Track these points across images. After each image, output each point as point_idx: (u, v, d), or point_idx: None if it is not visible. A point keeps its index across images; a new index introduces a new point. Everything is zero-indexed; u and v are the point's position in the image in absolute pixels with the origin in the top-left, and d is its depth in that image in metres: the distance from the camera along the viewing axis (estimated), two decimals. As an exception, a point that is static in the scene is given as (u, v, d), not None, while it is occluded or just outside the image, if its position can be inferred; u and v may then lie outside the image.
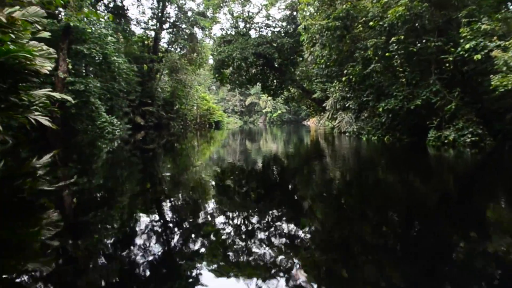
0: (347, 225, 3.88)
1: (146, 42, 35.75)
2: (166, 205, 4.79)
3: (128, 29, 32.67)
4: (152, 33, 35.67)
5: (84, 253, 2.99)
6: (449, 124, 10.80)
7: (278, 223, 3.83)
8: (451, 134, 10.40)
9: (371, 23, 11.44)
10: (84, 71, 20.95)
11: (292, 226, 3.69)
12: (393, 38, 10.99)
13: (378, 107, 12.32)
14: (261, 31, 28.57)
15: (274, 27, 28.16)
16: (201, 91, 44.46)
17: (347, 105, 17.43)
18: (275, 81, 30.78)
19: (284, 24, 28.13)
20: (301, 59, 26.14)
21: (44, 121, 13.06)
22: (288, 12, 27.03)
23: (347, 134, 17.15)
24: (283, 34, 26.73)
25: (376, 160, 10.17)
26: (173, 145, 17.95)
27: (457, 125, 10.52)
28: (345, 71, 13.07)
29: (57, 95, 12.74)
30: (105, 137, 18.68)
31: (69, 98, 13.09)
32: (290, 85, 28.20)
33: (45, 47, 12.45)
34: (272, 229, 3.58)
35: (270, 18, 27.86)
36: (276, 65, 27.85)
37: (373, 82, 12.69)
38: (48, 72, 11.99)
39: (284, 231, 3.49)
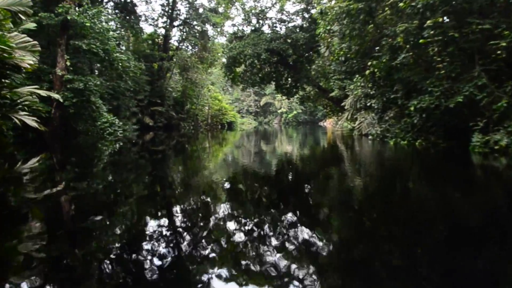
0: (370, 245, 3.23)
1: (156, 40, 34.54)
2: (171, 215, 4.32)
3: (137, 26, 31.53)
4: (162, 31, 34.50)
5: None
6: (499, 126, 8.83)
7: (292, 235, 3.45)
8: (503, 139, 8.41)
9: (401, 4, 9.53)
10: (86, 69, 19.72)
11: (306, 239, 3.36)
12: (428, 22, 9.09)
13: (409, 106, 10.39)
14: (275, 27, 26.81)
15: (288, 22, 26.37)
16: (213, 91, 43.09)
17: (369, 103, 15.54)
18: (289, 79, 28.99)
19: (299, 18, 26.35)
20: (317, 55, 24.27)
21: (30, 121, 11.77)
22: (303, 6, 25.18)
23: (369, 137, 15.20)
24: (297, 29, 24.92)
25: (406, 169, 8.33)
26: (183, 146, 16.69)
27: (510, 127, 8.54)
28: (369, 63, 11.17)
29: (42, 92, 11.41)
30: (106, 138, 17.38)
31: (56, 96, 11.73)
32: (305, 83, 26.34)
33: (28, 38, 11.11)
34: (284, 240, 3.29)
35: (284, 12, 26.07)
36: (290, 62, 26.05)
37: (402, 76, 10.74)
38: (29, 67, 10.64)
39: (298, 244, 3.18)
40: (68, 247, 3.11)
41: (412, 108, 10.16)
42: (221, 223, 3.92)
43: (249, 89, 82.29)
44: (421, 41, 9.21)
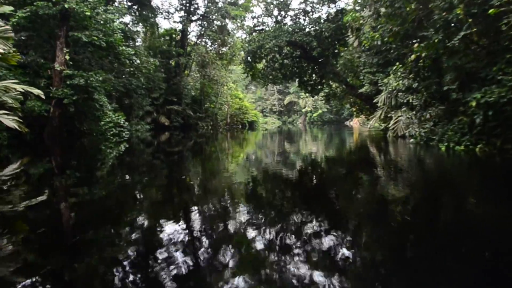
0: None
1: (173, 35, 32.97)
2: (182, 238, 3.30)
3: (153, 20, 30.08)
4: (180, 26, 32.95)
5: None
6: None
7: (316, 249, 3.01)
8: None
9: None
10: (93, 64, 18.23)
11: (334, 257, 2.85)
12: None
13: (468, 101, 7.92)
14: (298, 18, 24.48)
15: (312, 13, 23.96)
16: (234, 89, 41.23)
17: (407, 99, 13.02)
18: (313, 75, 26.62)
19: (324, 7, 23.96)
20: (344, 47, 21.77)
21: (9, 122, 10.14)
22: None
23: (411, 140, 12.57)
24: (322, 20, 22.50)
25: (464, 185, 5.97)
26: (200, 148, 15.34)
27: None
28: (415, 45, 8.72)
29: (19, 87, 9.73)
30: (110, 140, 15.77)
31: (35, 90, 10.04)
32: (331, 79, 23.86)
33: (0, 23, 9.44)
34: (312, 254, 2.91)
35: (308, 2, 23.68)
36: (314, 56, 23.67)
37: (458, 61, 8.25)
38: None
39: (324, 260, 2.79)
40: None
41: (473, 104, 7.67)
42: (247, 232, 3.48)
43: (273, 88, 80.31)
44: (490, 11, 6.75)
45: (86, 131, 17.15)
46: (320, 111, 69.84)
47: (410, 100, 13.08)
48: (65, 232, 3.70)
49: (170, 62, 31.75)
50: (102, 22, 16.19)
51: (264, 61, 25.84)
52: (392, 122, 15.03)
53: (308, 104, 70.97)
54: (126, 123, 17.20)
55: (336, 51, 23.25)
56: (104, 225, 3.86)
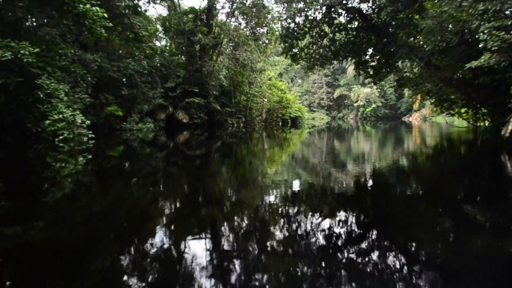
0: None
1: (199, 13, 26.93)
2: None
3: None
4: (205, 2, 26.96)
5: None
6: None
7: None
8: None
9: None
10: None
11: None
12: None
13: None
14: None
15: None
16: (274, 78, 34.53)
17: None
18: (377, 55, 19.17)
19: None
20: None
21: None
22: None
23: None
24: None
25: None
26: (228, 157, 10.65)
27: None
28: None
29: None
30: (61, 148, 10.03)
31: None
32: (405, 57, 16.30)
33: None
34: None
35: None
36: (379, 26, 16.41)
37: None
38: None
39: None
40: None
41: None
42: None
43: (321, 80, 71.80)
44: None
45: (36, 133, 11.62)
46: (374, 105, 61.21)
47: None
48: None
49: (195, 46, 25.87)
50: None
51: (308, 36, 18.89)
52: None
53: (361, 97, 62.35)
54: (84, 122, 11.11)
55: (411, 16, 15.82)
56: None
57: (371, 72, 19.03)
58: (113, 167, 8.32)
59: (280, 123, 32.93)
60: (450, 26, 11.76)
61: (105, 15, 11.62)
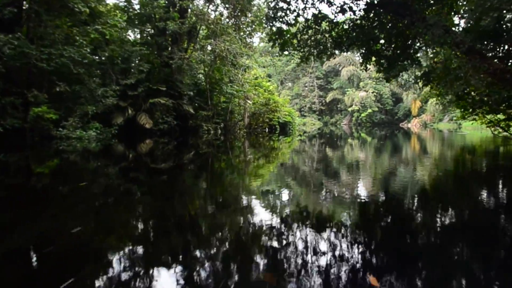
0: None
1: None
2: None
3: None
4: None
5: None
6: None
7: None
8: None
9: None
10: None
11: None
12: None
13: None
14: None
15: None
16: (259, 76, 29.87)
17: None
18: (394, 42, 14.58)
19: None
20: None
21: None
22: None
23: None
24: None
25: None
26: (202, 170, 7.80)
27: None
28: None
29: None
30: None
31: None
32: (437, 41, 11.79)
33: None
34: None
35: None
36: (398, 1, 11.81)
37: None
38: None
39: None
40: None
41: None
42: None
43: (313, 83, 67.13)
44: None
45: None
46: (369, 110, 57.23)
47: None
48: None
49: (166, 37, 21.09)
50: None
51: (301, 19, 14.20)
52: None
53: (356, 101, 58.18)
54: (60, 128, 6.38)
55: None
56: None
57: (385, 64, 14.47)
58: (41, 188, 4.45)
59: (267, 130, 28.22)
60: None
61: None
